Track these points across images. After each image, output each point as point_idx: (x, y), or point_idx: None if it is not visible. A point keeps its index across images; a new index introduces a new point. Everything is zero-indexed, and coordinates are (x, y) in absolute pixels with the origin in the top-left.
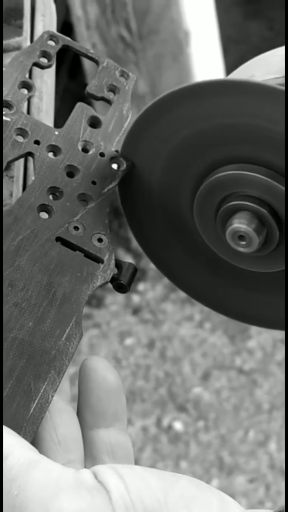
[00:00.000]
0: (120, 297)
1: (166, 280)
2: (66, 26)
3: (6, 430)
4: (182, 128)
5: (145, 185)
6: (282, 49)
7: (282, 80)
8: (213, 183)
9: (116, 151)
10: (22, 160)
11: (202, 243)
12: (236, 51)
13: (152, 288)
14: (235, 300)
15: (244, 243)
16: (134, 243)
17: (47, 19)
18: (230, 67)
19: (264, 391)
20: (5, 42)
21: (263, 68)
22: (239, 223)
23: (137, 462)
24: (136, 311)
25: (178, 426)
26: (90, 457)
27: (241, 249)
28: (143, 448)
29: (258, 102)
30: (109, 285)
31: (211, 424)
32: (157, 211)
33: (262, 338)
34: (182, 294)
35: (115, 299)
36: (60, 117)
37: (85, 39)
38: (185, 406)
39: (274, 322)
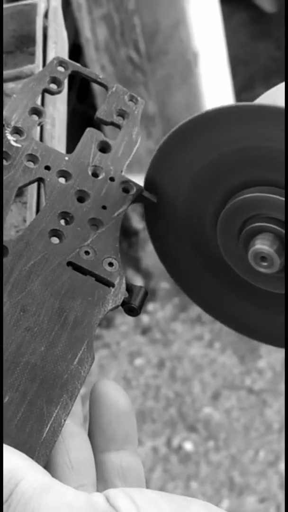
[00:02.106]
0: (129, 317)
1: (175, 300)
2: (75, 48)
3: (19, 454)
4: (207, 152)
5: (170, 209)
6: None
7: None
8: (236, 205)
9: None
10: (35, 186)
11: (226, 265)
12: (244, 71)
13: (162, 308)
14: (256, 320)
15: (266, 264)
16: (144, 263)
17: (59, 46)
18: (238, 87)
19: (274, 411)
20: (17, 69)
21: (285, 96)
22: (262, 244)
23: (147, 482)
24: (145, 331)
25: (188, 446)
26: (101, 480)
27: (263, 270)
28: (153, 468)
29: (281, 127)
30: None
31: (221, 444)
32: (182, 235)
33: (272, 358)
34: (191, 314)
35: (124, 320)
36: (69, 139)
37: (94, 61)
38: (195, 426)
39: None
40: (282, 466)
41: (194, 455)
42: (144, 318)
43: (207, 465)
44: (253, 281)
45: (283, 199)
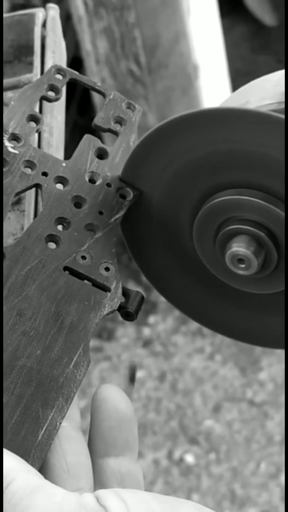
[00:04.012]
0: (131, 329)
1: (176, 313)
2: (76, 60)
3: (13, 456)
4: (181, 154)
5: (144, 211)
6: (275, 75)
7: (277, 106)
8: (211, 208)
9: (121, 179)
10: (32, 195)
11: (202, 267)
12: (244, 84)
13: (163, 321)
14: (237, 321)
15: (243, 266)
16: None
17: (57, 56)
18: None
19: (275, 423)
20: (16, 78)
21: (258, 94)
22: (238, 247)
23: None
24: (146, 343)
25: (189, 458)
26: (99, 485)
27: (240, 272)
28: (155, 481)
29: (255, 129)
30: (120, 318)
31: (222, 456)
32: (157, 237)
33: (273, 370)
34: (192, 327)
35: (126, 332)
36: (70, 153)
37: (95, 74)
38: (197, 439)
39: (275, 341)
40: (283, 478)
41: (195, 468)
42: (145, 331)
43: (208, 477)
44: (231, 283)
45: (258, 200)
